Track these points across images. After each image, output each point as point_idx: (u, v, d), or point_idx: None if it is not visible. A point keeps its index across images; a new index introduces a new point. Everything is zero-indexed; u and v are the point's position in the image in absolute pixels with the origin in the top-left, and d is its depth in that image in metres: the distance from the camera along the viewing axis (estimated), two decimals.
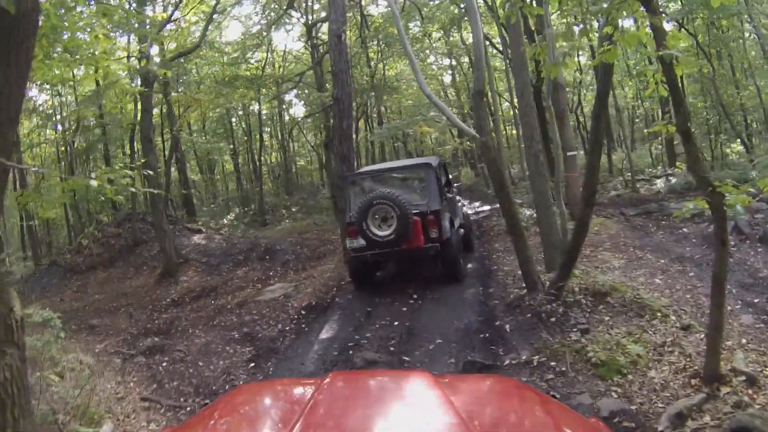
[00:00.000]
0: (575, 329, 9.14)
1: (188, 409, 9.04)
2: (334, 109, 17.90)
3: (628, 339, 8.46)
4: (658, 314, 9.40)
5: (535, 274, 10.75)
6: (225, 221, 33.11)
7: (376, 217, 12.76)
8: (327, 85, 27.59)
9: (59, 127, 32.98)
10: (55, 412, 7.81)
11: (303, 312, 13.25)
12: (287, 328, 12.38)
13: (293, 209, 35.67)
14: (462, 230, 15.65)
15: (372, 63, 35.37)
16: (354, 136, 21.03)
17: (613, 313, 9.66)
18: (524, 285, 11.19)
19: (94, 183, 6.93)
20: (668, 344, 8.29)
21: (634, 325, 9.12)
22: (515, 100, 24.57)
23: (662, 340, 8.44)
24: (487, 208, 26.90)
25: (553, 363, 8.32)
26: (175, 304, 17.03)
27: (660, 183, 24.20)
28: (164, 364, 11.33)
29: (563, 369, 8.08)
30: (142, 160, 16.69)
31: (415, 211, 12.74)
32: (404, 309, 12.23)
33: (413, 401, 3.13)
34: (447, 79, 45.44)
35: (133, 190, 7.57)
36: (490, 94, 26.97)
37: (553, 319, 9.70)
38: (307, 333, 11.90)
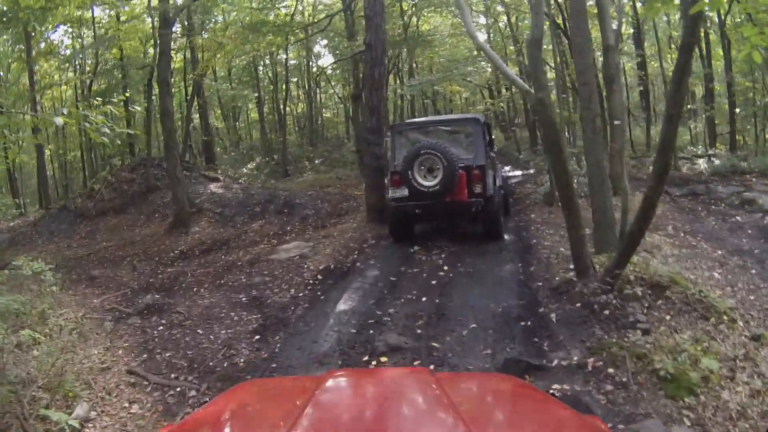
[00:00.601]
0: (634, 328, 7.66)
1: (177, 389, 7.68)
2: (366, 56, 16.46)
3: (695, 347, 6.96)
4: (725, 318, 8.00)
5: (587, 258, 9.21)
6: (245, 170, 31.74)
7: (423, 167, 12.45)
8: (358, 37, 26.07)
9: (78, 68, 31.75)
10: (25, 385, 6.66)
11: (319, 276, 11.86)
12: (300, 295, 10.96)
13: (316, 161, 34.84)
14: (501, 191, 15.08)
15: (405, 16, 33.48)
16: (385, 86, 19.57)
17: (675, 311, 8.19)
18: (572, 267, 9.68)
19: (59, 121, 5.61)
20: (740, 358, 6.96)
21: (700, 329, 7.73)
22: (551, 62, 22.86)
23: (733, 353, 7.06)
24: (518, 173, 25.56)
25: (611, 370, 6.82)
26: (183, 256, 15.90)
27: (702, 163, 22.62)
28: (160, 328, 10.07)
29: (624, 380, 6.59)
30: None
31: (461, 165, 12.46)
32: (433, 282, 10.80)
33: (413, 400, 3.09)
34: (481, 37, 43.52)
35: (107, 131, 6.14)
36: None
37: (606, 312, 8.19)
38: (323, 302, 10.45)
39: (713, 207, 16.09)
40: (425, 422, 2.74)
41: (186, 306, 11.08)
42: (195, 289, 12.34)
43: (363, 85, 18.40)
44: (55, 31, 27.76)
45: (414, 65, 40.80)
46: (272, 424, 2.89)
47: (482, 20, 39.17)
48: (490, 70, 31.62)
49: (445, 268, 11.51)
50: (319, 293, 10.92)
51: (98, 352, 8.77)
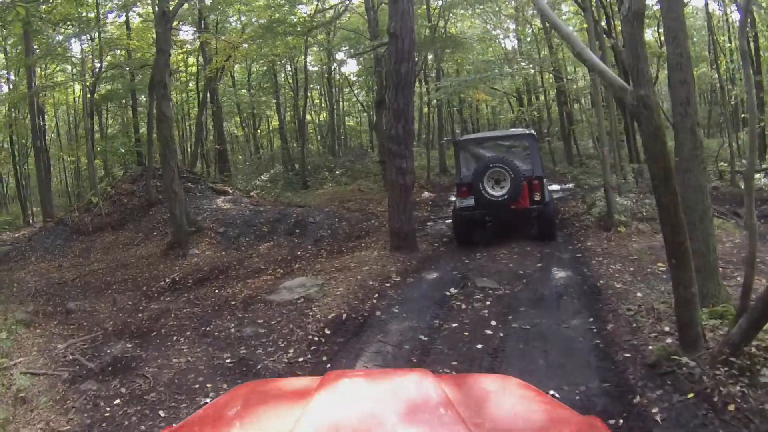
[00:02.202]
0: None
1: None
2: (389, 49, 13.78)
3: None
4: None
5: (698, 325, 6.35)
6: (257, 182, 29.00)
7: (491, 179, 13.56)
8: (383, 37, 23.34)
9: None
10: None
11: (327, 331, 8.97)
12: (300, 360, 8.07)
13: (337, 172, 32.99)
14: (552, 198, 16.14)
15: (432, 18, 30.62)
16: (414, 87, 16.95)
17: None
18: (668, 330, 7.09)
19: None
20: None
21: None
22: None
23: None
24: (556, 187, 22.85)
25: None
26: (173, 287, 13.42)
27: (762, 179, 19.64)
28: (116, 402, 7.43)
29: None
30: None
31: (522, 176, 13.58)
32: (479, 346, 7.90)
33: (413, 401, 2.90)
34: (509, 44, 40.85)
35: None
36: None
37: (731, 409, 5.37)
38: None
39: None
40: (425, 422, 2.66)
41: (157, 365, 8.47)
42: (174, 338, 9.71)
43: (386, 85, 15.66)
44: (55, 29, 25.19)
45: (441, 71, 37.84)
46: (273, 425, 2.76)
47: (512, 26, 36.70)
48: (532, 71, 28.57)
49: (493, 323, 8.66)
50: (324, 358, 7.99)
51: None
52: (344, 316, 9.50)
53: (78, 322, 11.39)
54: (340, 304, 10.06)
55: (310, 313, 9.71)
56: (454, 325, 8.73)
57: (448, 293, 10.24)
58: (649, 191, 16.45)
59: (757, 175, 20.24)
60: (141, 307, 11.98)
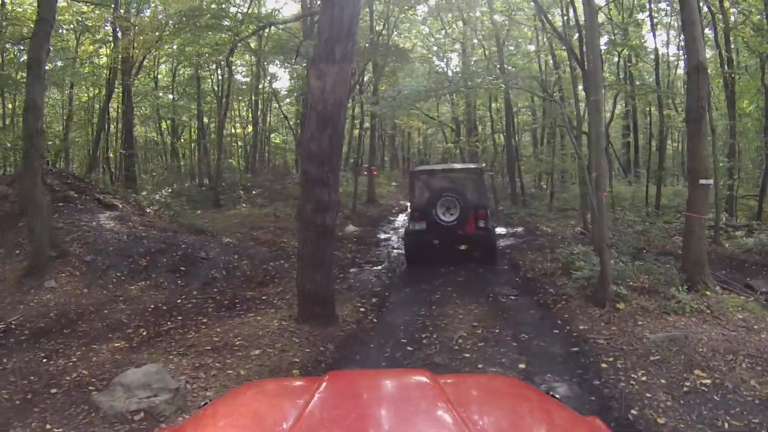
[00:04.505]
0: None
1: None
2: (322, 21, 8.98)
3: None
4: None
5: None
6: (158, 196, 24.86)
7: (443, 207, 14.54)
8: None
9: None
10: None
11: None
12: None
13: (254, 192, 29.54)
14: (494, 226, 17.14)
15: (375, 27, 27.20)
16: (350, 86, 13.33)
17: None
18: None
19: None
20: None
21: None
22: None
23: None
24: (502, 230, 19.23)
25: None
26: (4, 340, 9.13)
27: (743, 237, 16.49)
28: None
29: None
30: None
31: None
32: None
33: (413, 401, 2.89)
34: (450, 72, 37.85)
35: None
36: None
37: None
38: None
39: None
40: (424, 423, 2.61)
41: None
42: None
43: (309, 75, 10.44)
44: None
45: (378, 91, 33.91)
46: (272, 425, 2.70)
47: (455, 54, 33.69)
48: (503, 86, 24.60)
49: None
50: None
51: None
52: None
53: None
54: None
55: None
56: None
57: None
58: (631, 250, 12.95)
59: (739, 233, 17.10)
60: None
